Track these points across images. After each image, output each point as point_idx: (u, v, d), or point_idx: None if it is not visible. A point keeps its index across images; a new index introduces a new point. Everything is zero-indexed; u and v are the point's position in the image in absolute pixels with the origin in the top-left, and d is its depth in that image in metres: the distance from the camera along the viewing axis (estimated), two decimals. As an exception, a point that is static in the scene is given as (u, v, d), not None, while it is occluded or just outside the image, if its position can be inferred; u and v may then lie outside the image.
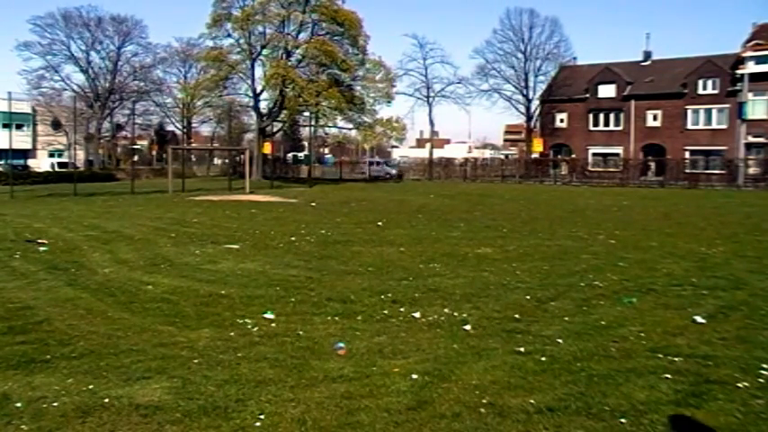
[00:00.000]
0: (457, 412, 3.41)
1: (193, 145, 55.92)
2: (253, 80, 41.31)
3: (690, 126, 45.38)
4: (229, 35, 40.31)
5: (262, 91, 40.90)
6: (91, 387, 3.80)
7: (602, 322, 5.31)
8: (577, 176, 41.64)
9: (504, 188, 33.99)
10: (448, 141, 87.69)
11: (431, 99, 52.46)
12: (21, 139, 41.55)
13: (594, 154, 47.49)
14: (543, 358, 4.30)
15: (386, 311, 5.76)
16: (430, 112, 53.07)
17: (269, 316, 5.56)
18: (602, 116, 49.41)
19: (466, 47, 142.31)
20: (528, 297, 6.31)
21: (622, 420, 3.29)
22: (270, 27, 39.47)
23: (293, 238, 11.10)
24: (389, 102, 42.51)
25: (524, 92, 53.27)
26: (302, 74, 39.37)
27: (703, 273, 7.62)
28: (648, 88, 47.39)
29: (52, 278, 7.40)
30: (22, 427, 3.28)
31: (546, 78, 53.17)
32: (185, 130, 56.78)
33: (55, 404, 3.55)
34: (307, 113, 40.35)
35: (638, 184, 37.16)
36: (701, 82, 45.15)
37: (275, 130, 45.42)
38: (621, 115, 48.39)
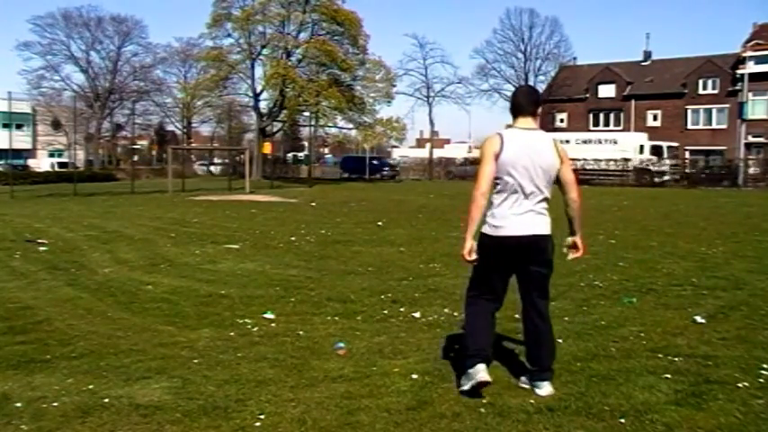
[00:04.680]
0: (457, 412, 3.42)
1: (193, 145, 55.90)
2: (253, 80, 41.34)
3: (690, 126, 45.38)
4: (229, 35, 40.36)
5: (262, 91, 40.91)
6: (91, 387, 3.80)
7: (602, 322, 5.32)
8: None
9: (504, 188, 33.93)
10: (448, 141, 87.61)
11: (431, 99, 52.46)
12: (21, 139, 41.50)
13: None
14: (543, 358, 4.29)
15: (386, 311, 5.76)
16: (430, 112, 53.07)
17: (269, 316, 5.56)
18: (602, 116, 49.41)
19: (466, 47, 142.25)
20: (528, 297, 6.30)
21: (622, 420, 3.29)
22: (270, 27, 39.49)
23: (293, 238, 11.10)
24: (389, 102, 42.56)
25: (524, 92, 53.12)
26: (302, 74, 39.38)
27: (703, 273, 7.62)
28: (648, 88, 47.37)
29: (52, 278, 7.41)
30: (22, 427, 3.28)
31: (546, 78, 53.16)
32: (185, 130, 56.78)
33: (55, 404, 3.55)
34: (307, 113, 40.35)
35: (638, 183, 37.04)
36: (701, 82, 45.13)
37: (275, 130, 45.41)
38: (621, 115, 48.38)
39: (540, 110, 3.80)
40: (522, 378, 3.87)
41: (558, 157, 3.68)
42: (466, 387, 3.61)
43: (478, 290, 3.81)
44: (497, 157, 3.61)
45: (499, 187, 3.66)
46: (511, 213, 3.64)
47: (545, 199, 3.71)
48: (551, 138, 3.76)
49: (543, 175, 3.64)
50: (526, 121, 3.70)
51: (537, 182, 3.62)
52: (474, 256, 3.66)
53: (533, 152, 3.61)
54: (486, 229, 3.71)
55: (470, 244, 3.66)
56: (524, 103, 3.73)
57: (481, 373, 3.56)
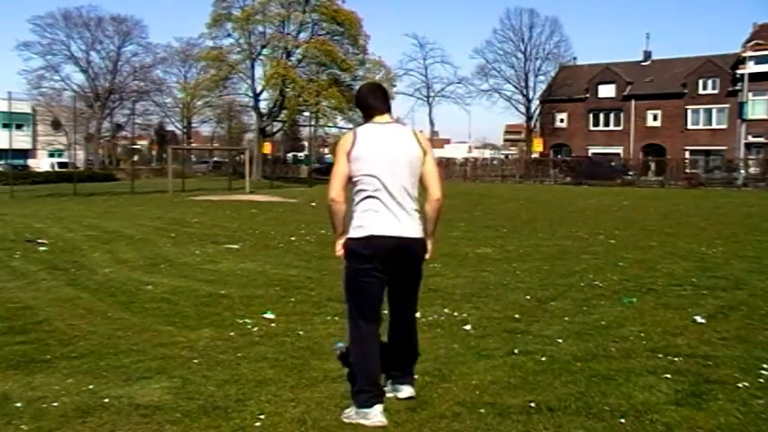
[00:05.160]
0: (457, 412, 3.41)
1: (193, 145, 55.92)
2: (253, 80, 41.33)
3: (690, 126, 45.38)
4: (229, 35, 40.36)
5: (262, 91, 40.91)
6: (91, 387, 3.80)
7: (603, 322, 5.31)
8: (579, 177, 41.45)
9: (504, 188, 34.00)
10: (448, 141, 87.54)
11: (431, 99, 52.60)
12: (21, 139, 41.54)
13: (594, 154, 47.43)
14: (543, 358, 4.30)
15: (386, 311, 5.74)
16: (430, 112, 53.26)
17: (269, 316, 5.55)
18: (602, 116, 49.40)
19: (466, 47, 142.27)
20: (528, 297, 6.31)
21: (622, 420, 3.29)
22: (270, 27, 39.51)
23: (293, 238, 11.10)
24: (389, 102, 42.46)
25: (524, 92, 53.31)
26: (302, 74, 39.38)
27: (703, 273, 7.61)
28: (648, 88, 47.36)
29: (52, 278, 7.41)
30: (22, 427, 3.28)
31: (546, 78, 53.24)
32: (185, 130, 56.81)
33: (55, 404, 3.55)
34: (307, 113, 40.35)
35: (638, 183, 37.05)
36: (701, 82, 45.13)
37: (275, 130, 45.42)
38: (621, 115, 48.37)
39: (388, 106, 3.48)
40: (386, 387, 3.57)
41: (421, 147, 3.41)
42: (359, 421, 3.23)
43: (357, 307, 3.43)
44: (349, 154, 3.31)
45: (359, 186, 3.34)
46: (374, 212, 3.31)
47: (412, 197, 3.41)
48: (410, 129, 3.55)
49: (407, 170, 3.34)
50: (383, 117, 3.43)
51: (400, 178, 3.32)
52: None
53: (393, 144, 3.33)
54: (350, 233, 3.39)
55: (339, 242, 3.50)
56: (373, 100, 3.45)
57: (379, 415, 3.24)
